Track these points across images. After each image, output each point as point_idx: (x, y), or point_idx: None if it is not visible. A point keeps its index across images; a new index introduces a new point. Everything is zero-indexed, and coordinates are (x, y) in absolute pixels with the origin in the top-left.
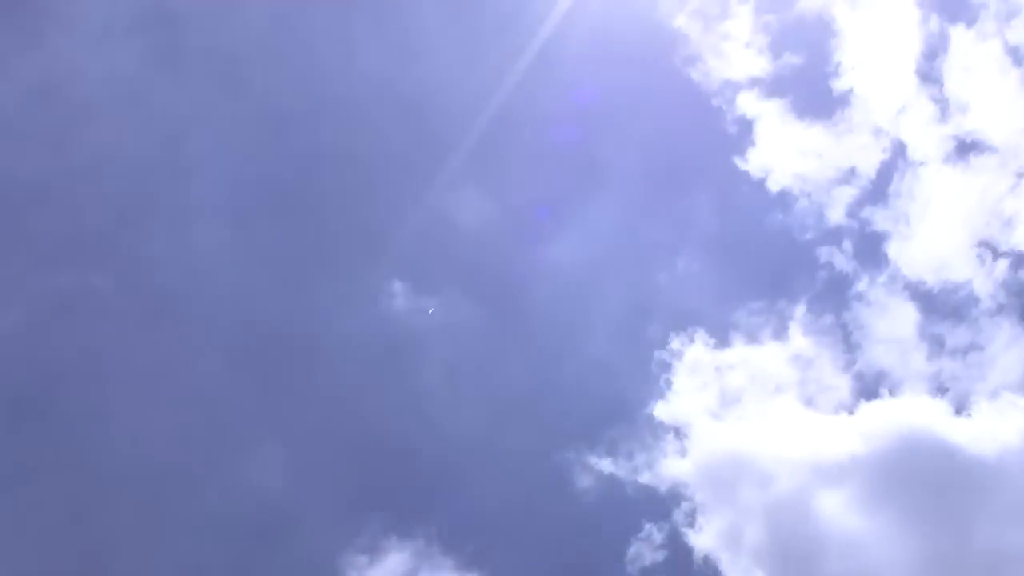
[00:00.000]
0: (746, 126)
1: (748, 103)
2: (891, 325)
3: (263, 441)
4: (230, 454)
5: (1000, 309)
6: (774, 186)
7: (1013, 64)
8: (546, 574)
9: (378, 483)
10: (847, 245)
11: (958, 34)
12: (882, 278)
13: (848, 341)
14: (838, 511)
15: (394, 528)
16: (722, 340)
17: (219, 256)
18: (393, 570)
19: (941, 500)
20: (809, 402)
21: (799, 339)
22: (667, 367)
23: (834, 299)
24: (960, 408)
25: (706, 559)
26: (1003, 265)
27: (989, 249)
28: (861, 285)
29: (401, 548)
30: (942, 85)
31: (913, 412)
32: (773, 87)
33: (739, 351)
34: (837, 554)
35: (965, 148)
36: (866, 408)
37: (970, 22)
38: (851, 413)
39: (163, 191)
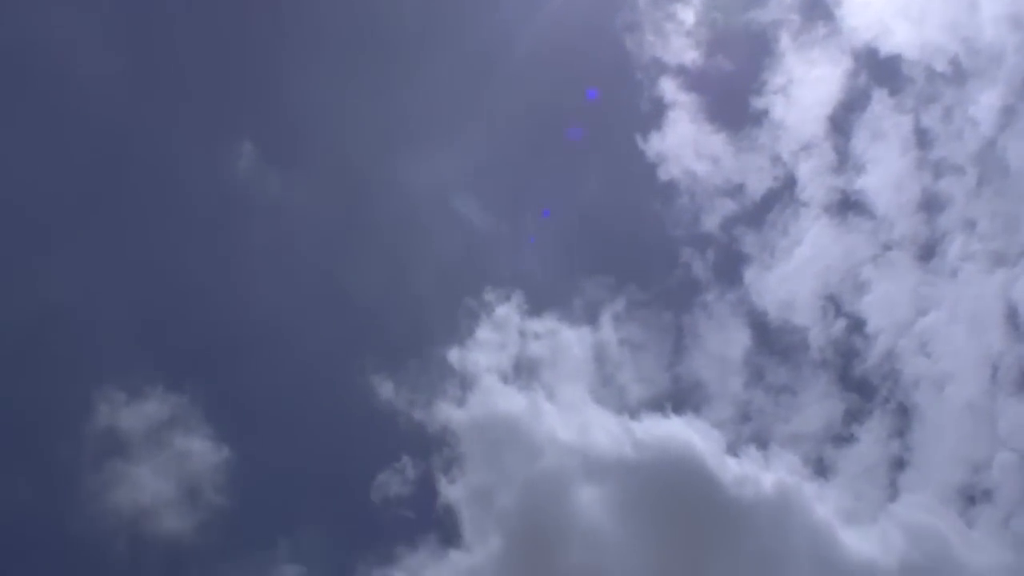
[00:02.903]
0: (659, 109)
1: (668, 88)
2: (722, 343)
3: (60, 248)
4: (21, 254)
5: (823, 364)
6: (663, 175)
7: (916, 144)
8: (294, 471)
9: (164, 329)
10: (710, 255)
11: (880, 97)
12: (731, 296)
13: (678, 344)
14: (591, 506)
15: (164, 378)
16: (536, 308)
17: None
18: (147, 416)
19: (687, 529)
20: (599, 395)
21: (623, 329)
22: (474, 316)
23: (678, 302)
24: (734, 447)
25: (448, 508)
26: (841, 325)
27: (834, 306)
28: (709, 296)
29: (164, 399)
30: (849, 139)
31: (690, 437)
32: (696, 82)
33: (550, 323)
34: (576, 545)
35: (847, 205)
36: (648, 418)
37: (894, 91)
38: (634, 418)
39: None
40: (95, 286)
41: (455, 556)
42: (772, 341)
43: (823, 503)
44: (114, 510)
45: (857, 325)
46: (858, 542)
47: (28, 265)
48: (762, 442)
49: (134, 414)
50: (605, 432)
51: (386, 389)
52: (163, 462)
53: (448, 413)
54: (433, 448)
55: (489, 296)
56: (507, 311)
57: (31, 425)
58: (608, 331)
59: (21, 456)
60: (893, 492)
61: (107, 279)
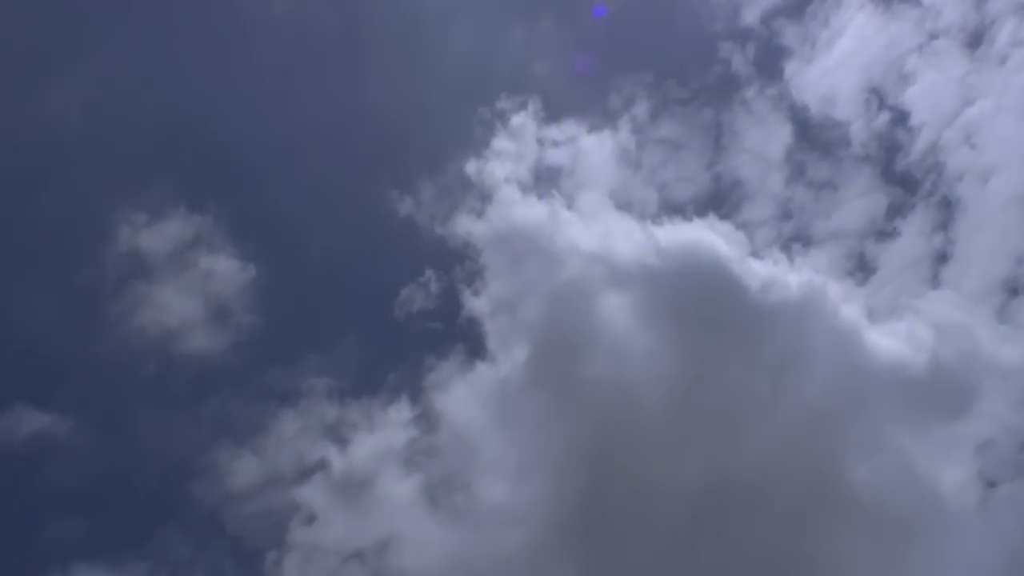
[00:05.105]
0: None
1: None
2: (762, 140)
3: (79, 70)
4: (40, 75)
5: (866, 158)
6: None
7: None
8: (320, 288)
9: (187, 149)
10: (750, 49)
11: None
12: (771, 92)
13: (717, 142)
14: (615, 313)
15: (186, 198)
16: (555, 114)
17: None
18: (169, 237)
19: (710, 334)
20: (621, 202)
21: (660, 128)
22: (490, 127)
23: (717, 98)
24: (770, 247)
25: (472, 320)
26: (884, 118)
27: (878, 98)
28: (749, 93)
29: (187, 219)
30: None
31: (714, 241)
32: None
33: (569, 130)
34: (600, 353)
35: None
36: (670, 224)
37: None
38: (656, 223)
39: None
40: (112, 108)
41: (481, 367)
42: (813, 136)
43: (852, 303)
44: (141, 331)
45: (901, 118)
46: (886, 341)
47: (46, 86)
48: (802, 240)
49: (156, 235)
50: (629, 239)
51: (405, 205)
52: (188, 283)
53: (468, 226)
54: (455, 261)
55: (503, 104)
56: (524, 120)
57: (53, 247)
58: (627, 135)
59: (45, 278)
60: (935, 285)
61: (125, 100)
